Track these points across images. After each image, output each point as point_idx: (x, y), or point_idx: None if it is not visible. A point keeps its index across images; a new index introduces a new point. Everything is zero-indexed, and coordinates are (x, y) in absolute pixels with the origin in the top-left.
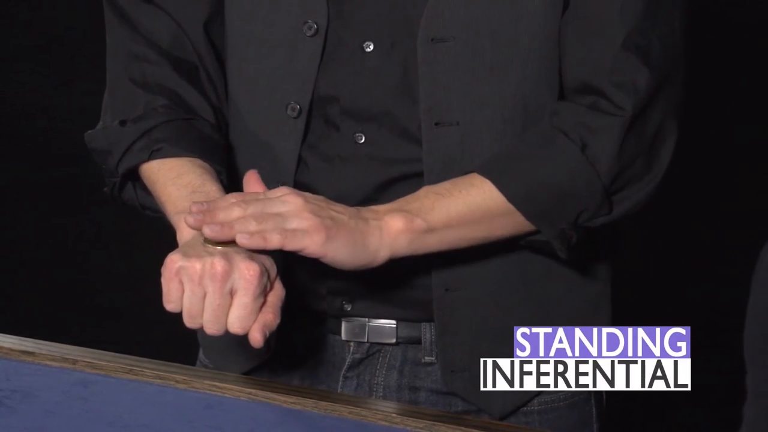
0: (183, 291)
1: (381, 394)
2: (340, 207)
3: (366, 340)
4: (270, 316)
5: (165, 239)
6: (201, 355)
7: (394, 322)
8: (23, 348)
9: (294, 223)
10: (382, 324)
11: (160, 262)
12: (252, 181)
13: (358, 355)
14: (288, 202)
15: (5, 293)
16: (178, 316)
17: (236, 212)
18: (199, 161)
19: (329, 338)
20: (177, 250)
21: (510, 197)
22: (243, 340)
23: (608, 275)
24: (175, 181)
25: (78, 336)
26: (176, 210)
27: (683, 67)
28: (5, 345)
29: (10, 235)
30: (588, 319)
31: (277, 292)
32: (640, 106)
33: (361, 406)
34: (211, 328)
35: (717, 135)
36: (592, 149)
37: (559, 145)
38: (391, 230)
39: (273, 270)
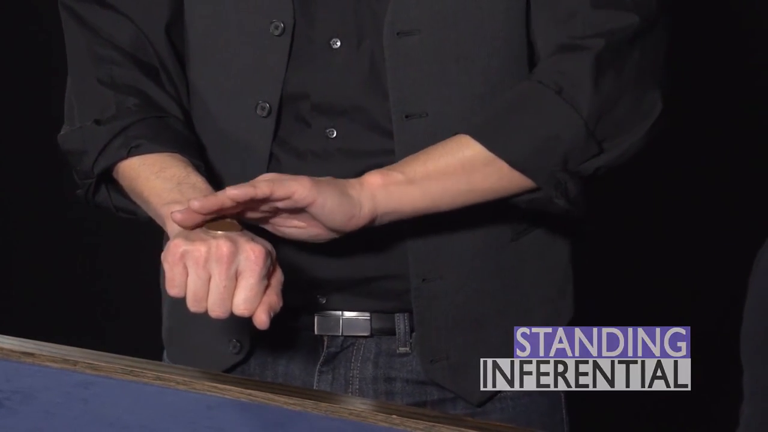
0: (187, 275)
1: (357, 386)
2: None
3: (340, 334)
4: (274, 298)
5: (166, 240)
6: (165, 357)
7: (368, 314)
8: (24, 349)
9: (281, 177)
10: (355, 317)
11: (160, 263)
12: None
13: (332, 349)
14: (266, 175)
15: (5, 294)
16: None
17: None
18: (178, 156)
19: (302, 334)
20: (177, 234)
21: (490, 145)
22: (213, 342)
23: (570, 260)
24: (159, 175)
25: (78, 337)
26: (164, 201)
27: (662, 19)
28: (6, 346)
29: (10, 235)
30: (554, 304)
31: (278, 275)
32: (613, 43)
33: (361, 407)
34: (217, 310)
35: (717, 134)
36: (568, 90)
37: (534, 92)
38: (371, 184)
39: (273, 253)
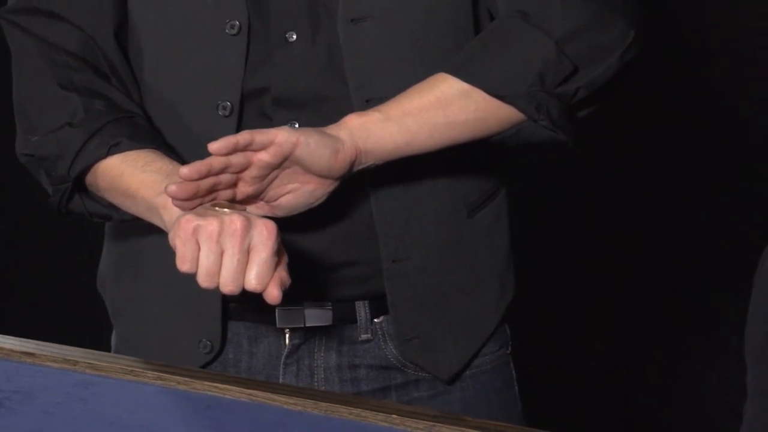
0: (199, 251)
1: (322, 376)
2: None
3: (303, 325)
4: (284, 274)
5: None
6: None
7: (329, 304)
8: (24, 349)
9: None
10: (317, 308)
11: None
12: None
13: (296, 341)
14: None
15: (5, 294)
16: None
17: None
18: (158, 151)
19: (263, 328)
20: (186, 213)
21: (463, 76)
22: (181, 343)
23: (511, 239)
24: (145, 169)
25: (78, 337)
26: (157, 193)
27: None
28: (6, 346)
29: (10, 235)
30: (502, 279)
31: (284, 253)
32: None
33: (361, 407)
34: (230, 285)
35: (718, 135)
36: (535, 15)
37: (501, 26)
38: (347, 122)
39: (279, 232)
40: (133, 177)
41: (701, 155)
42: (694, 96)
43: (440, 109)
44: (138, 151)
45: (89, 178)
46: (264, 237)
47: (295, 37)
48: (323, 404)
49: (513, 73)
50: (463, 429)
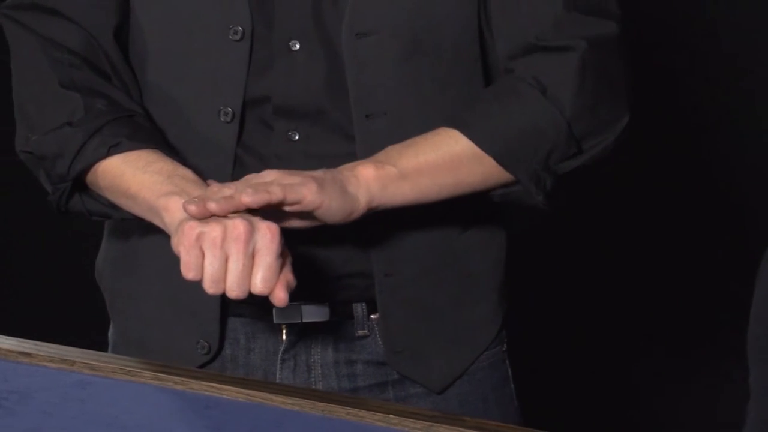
0: (203, 257)
1: (320, 371)
2: (310, 171)
3: (299, 321)
4: (290, 276)
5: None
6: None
7: (326, 303)
8: (21, 349)
9: (288, 180)
10: (314, 304)
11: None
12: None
13: (293, 337)
14: (269, 173)
15: (4, 294)
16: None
17: (228, 191)
18: (159, 151)
19: (260, 324)
20: (188, 218)
21: (477, 141)
22: (178, 344)
23: (507, 249)
24: (146, 169)
25: (76, 337)
26: (158, 194)
27: (620, 20)
28: (3, 346)
29: (9, 235)
30: (499, 292)
31: (288, 254)
32: (596, 47)
33: (359, 407)
34: (236, 290)
35: (717, 137)
36: (552, 90)
37: (520, 91)
38: (365, 177)
39: (282, 233)
40: (134, 178)
41: (691, 158)
42: (690, 101)
43: (452, 170)
44: (138, 151)
45: (89, 177)
46: (268, 240)
47: (298, 45)
48: (320, 404)
49: (523, 147)
50: (461, 429)
